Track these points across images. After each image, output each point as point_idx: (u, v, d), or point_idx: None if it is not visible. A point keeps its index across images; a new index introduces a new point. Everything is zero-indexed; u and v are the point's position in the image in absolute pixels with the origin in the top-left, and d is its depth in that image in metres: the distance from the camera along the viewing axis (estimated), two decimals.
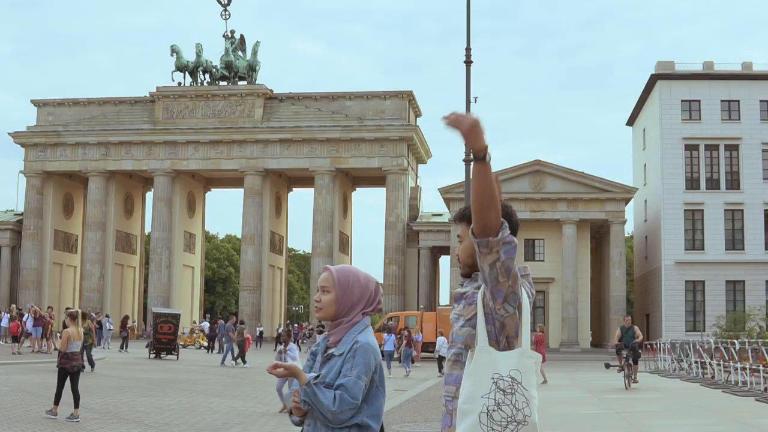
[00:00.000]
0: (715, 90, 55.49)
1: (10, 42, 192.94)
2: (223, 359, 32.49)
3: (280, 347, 16.97)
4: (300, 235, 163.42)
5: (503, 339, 3.24)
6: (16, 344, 32.93)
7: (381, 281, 59.75)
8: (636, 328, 23.40)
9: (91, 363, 24.89)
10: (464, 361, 3.23)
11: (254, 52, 65.63)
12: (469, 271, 3.43)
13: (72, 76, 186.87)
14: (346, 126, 61.01)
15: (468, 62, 23.30)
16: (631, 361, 22.18)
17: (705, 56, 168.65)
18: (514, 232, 3.38)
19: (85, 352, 24.62)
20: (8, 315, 39.24)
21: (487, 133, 3.15)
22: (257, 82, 64.66)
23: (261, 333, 56.65)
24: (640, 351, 23.34)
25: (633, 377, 22.38)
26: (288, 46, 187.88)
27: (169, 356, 35.03)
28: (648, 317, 59.72)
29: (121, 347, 41.06)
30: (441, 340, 29.30)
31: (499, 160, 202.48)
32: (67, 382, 13.83)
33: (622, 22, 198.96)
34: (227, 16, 65.62)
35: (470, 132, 3.13)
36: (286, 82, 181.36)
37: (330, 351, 3.58)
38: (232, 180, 69.07)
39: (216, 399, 17.92)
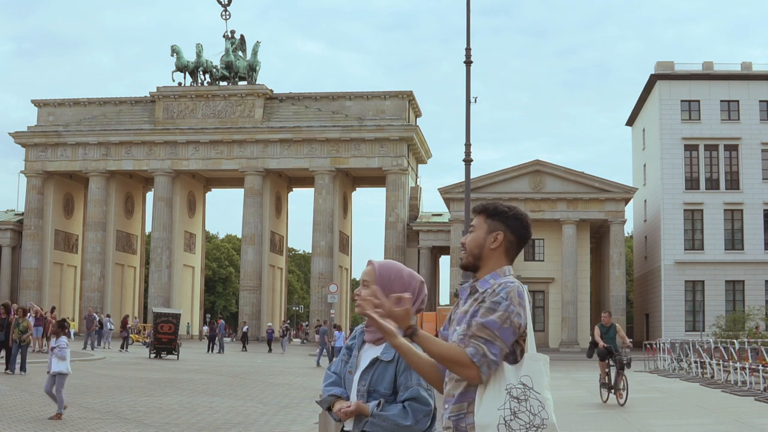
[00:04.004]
0: (714, 90, 55.51)
1: (10, 42, 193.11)
2: (318, 360, 34.27)
3: (52, 342, 14.19)
4: (300, 235, 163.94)
5: (517, 347, 3.24)
6: None
7: None
8: (618, 326, 18.63)
9: (23, 366, 22.21)
10: None
11: (254, 52, 65.67)
12: (471, 261, 3.36)
13: (72, 76, 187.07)
14: (346, 126, 61.05)
15: (468, 62, 23.35)
16: (616, 369, 17.42)
17: (705, 56, 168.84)
18: (524, 238, 3.40)
19: (20, 353, 22.19)
20: None
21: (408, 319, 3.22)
22: (257, 82, 64.69)
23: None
24: (630, 356, 18.19)
25: (622, 389, 17.08)
26: (288, 46, 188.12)
27: (170, 356, 35.07)
28: (648, 317, 59.76)
29: (122, 347, 41.14)
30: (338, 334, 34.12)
31: (500, 160, 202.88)
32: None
33: (622, 22, 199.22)
34: (227, 16, 65.69)
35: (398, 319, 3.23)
36: (287, 82, 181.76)
37: (376, 356, 3.51)
38: (232, 180, 69.10)
39: (216, 399, 17.93)
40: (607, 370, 17.78)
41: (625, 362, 17.36)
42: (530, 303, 3.30)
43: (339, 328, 37.81)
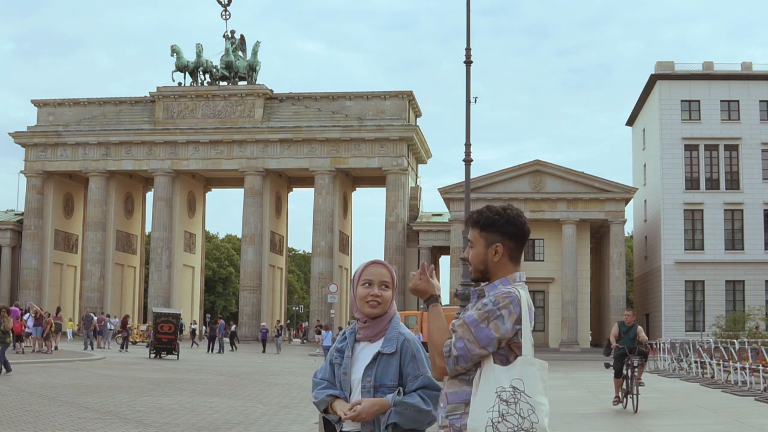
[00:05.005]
0: (714, 90, 55.51)
1: (10, 42, 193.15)
2: None
3: None
4: (300, 235, 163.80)
5: (511, 354, 3.25)
6: (19, 344, 32.81)
7: None
8: (640, 327, 16.76)
9: (6, 365, 22.00)
10: (472, 378, 3.23)
11: (254, 52, 65.68)
12: (479, 276, 3.43)
13: (72, 76, 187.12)
14: (346, 126, 61.06)
15: (468, 62, 23.31)
16: (635, 371, 15.98)
17: (705, 56, 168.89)
18: (523, 239, 3.41)
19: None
20: None
21: (432, 285, 3.47)
22: (257, 82, 64.71)
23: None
24: (646, 356, 16.85)
25: (636, 392, 15.84)
26: (288, 46, 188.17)
27: (170, 356, 35.07)
28: (648, 317, 59.75)
29: (122, 347, 41.11)
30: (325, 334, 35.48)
31: (500, 160, 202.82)
32: None
33: (622, 22, 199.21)
34: (227, 16, 65.69)
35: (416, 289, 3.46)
36: (287, 82, 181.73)
37: (377, 350, 3.55)
38: (232, 180, 69.10)
39: (216, 399, 17.92)
40: (625, 372, 16.23)
41: (638, 364, 16.08)
42: (530, 310, 3.26)
43: (326, 328, 37.76)
